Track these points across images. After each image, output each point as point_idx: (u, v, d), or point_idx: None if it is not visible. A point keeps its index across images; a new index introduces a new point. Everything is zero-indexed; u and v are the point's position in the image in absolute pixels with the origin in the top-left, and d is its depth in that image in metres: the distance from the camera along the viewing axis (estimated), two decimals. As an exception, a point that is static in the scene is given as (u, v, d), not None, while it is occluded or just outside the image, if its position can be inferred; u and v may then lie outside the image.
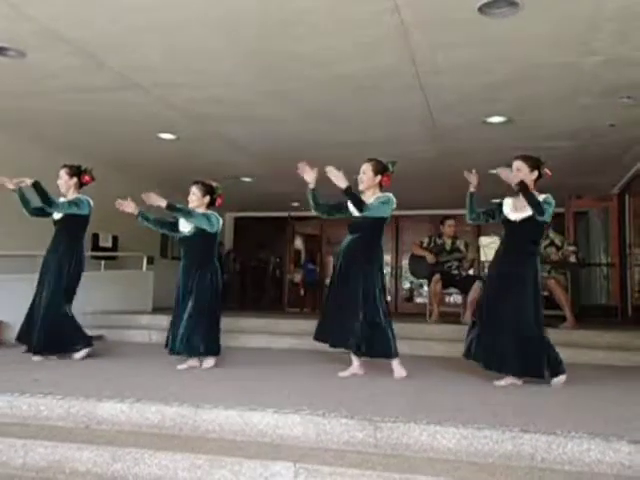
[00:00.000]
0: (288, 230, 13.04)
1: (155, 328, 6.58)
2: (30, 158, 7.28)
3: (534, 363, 3.78)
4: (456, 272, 7.11)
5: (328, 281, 4.44)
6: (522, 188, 3.85)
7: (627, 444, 2.44)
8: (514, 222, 3.97)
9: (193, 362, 4.49)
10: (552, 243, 6.82)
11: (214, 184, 4.72)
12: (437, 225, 7.71)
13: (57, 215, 4.93)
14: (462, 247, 7.24)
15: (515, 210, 3.98)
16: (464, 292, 7.06)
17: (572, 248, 6.96)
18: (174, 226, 4.68)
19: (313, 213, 4.39)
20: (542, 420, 2.75)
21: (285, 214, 12.39)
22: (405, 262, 11.93)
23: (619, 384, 3.79)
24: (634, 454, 2.43)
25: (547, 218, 3.88)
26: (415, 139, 6.81)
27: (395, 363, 4.08)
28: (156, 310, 8.02)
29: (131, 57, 4.77)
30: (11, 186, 4.84)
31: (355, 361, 4.18)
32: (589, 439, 2.49)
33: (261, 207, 12.25)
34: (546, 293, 7.15)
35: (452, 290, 7.44)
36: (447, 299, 8.64)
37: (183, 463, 2.59)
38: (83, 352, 4.79)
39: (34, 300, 4.84)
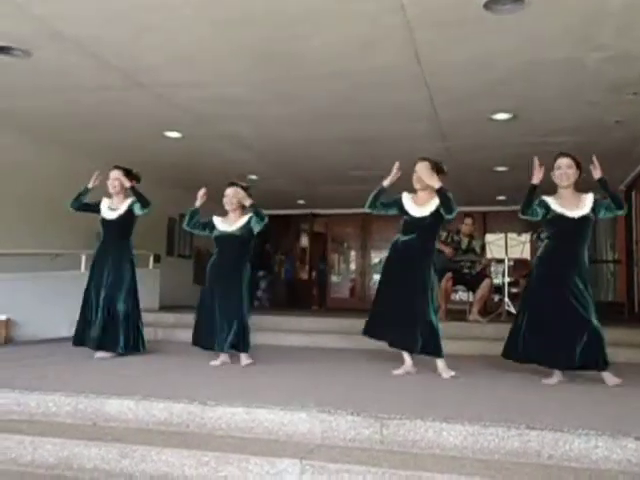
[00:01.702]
0: (293, 228, 13.05)
1: (161, 325, 6.60)
2: (35, 157, 7.32)
3: (603, 355, 3.76)
4: (467, 271, 7.10)
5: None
6: (604, 183, 3.91)
7: (634, 441, 2.44)
8: (571, 219, 3.90)
9: (226, 358, 4.50)
10: None
11: (244, 184, 4.74)
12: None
13: (112, 215, 4.95)
14: (477, 249, 7.22)
15: (569, 208, 3.92)
16: (472, 290, 7.06)
17: None
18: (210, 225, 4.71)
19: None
20: (549, 417, 2.75)
21: (290, 212, 12.39)
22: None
23: (626, 381, 3.78)
24: (641, 451, 2.42)
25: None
26: (422, 136, 6.79)
27: (440, 362, 4.06)
28: (162, 308, 8.05)
29: (136, 56, 4.78)
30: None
31: (408, 359, 4.14)
32: (596, 436, 2.48)
33: (266, 205, 12.25)
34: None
35: (459, 287, 7.43)
36: (453, 296, 8.62)
37: (190, 460, 2.60)
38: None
39: (90, 299, 4.87)
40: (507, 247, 6.89)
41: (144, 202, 4.90)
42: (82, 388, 3.27)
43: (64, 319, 6.39)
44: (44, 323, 6.21)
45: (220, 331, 4.42)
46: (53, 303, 6.35)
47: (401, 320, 4.03)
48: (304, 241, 13.43)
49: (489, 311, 7.30)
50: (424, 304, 4.02)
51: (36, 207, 7.27)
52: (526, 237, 6.83)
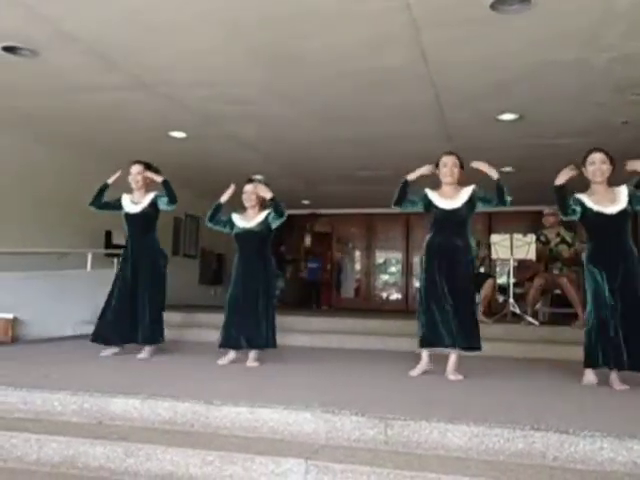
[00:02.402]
0: (297, 228, 13.05)
1: (168, 325, 6.57)
2: (41, 157, 7.36)
3: None
4: None
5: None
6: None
7: (640, 443, 2.43)
8: (609, 216, 3.82)
9: (234, 356, 4.51)
10: (563, 240, 6.77)
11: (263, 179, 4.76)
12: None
13: (136, 209, 4.91)
14: (474, 245, 7.22)
15: (605, 204, 3.84)
16: (477, 290, 7.04)
17: (584, 245, 6.91)
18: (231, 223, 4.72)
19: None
20: (554, 418, 2.74)
21: (295, 212, 12.37)
22: (416, 260, 11.93)
23: (631, 382, 3.76)
24: (647, 453, 2.41)
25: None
26: (427, 136, 6.79)
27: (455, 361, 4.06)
28: (169, 307, 8.04)
29: (142, 57, 4.80)
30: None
31: (427, 357, 4.10)
32: (601, 437, 2.47)
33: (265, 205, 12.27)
34: (558, 291, 7.13)
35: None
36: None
37: (195, 459, 2.60)
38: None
39: (123, 295, 4.83)
40: (512, 248, 6.87)
41: (173, 198, 4.87)
42: (88, 387, 3.28)
43: (70, 318, 6.43)
44: (50, 322, 6.23)
45: (247, 330, 4.44)
46: (59, 302, 6.38)
47: (451, 320, 3.98)
48: (308, 241, 13.46)
49: (494, 312, 7.28)
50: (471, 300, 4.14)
51: (44, 207, 7.31)
52: (531, 238, 6.80)
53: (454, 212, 4.09)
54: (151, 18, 4.13)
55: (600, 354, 3.73)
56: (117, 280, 4.93)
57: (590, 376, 3.82)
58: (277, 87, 5.46)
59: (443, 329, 3.96)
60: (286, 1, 3.90)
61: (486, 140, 6.90)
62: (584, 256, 4.02)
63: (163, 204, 4.91)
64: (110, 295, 4.90)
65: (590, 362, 3.79)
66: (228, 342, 4.50)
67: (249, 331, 4.44)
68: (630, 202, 3.82)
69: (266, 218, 4.60)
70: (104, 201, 5.00)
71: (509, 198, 4.09)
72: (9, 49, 4.64)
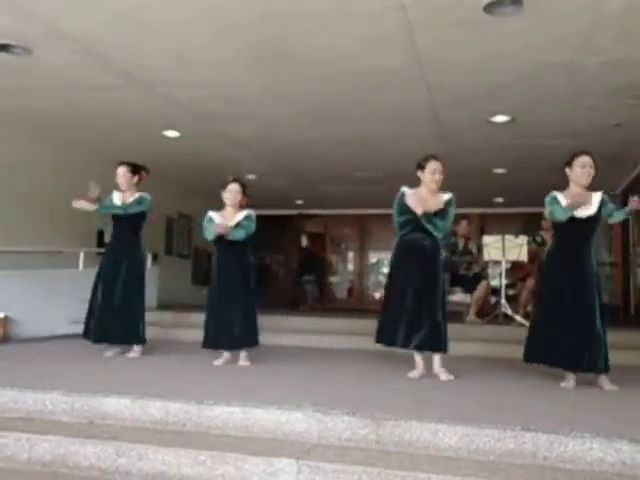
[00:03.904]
0: (291, 228, 13.03)
1: (160, 324, 6.59)
2: (34, 155, 7.33)
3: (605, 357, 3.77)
4: (464, 272, 7.12)
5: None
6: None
7: (628, 443, 2.44)
8: (578, 219, 3.85)
9: (229, 357, 4.51)
10: None
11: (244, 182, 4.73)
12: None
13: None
14: (474, 250, 7.24)
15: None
16: (469, 291, 7.07)
17: None
18: None
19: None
20: (544, 419, 2.76)
21: (289, 212, 12.39)
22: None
23: (621, 383, 3.79)
24: (635, 453, 2.43)
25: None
26: (421, 137, 6.81)
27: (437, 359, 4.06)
28: (161, 307, 8.04)
29: (136, 55, 4.78)
30: (93, 206, 4.92)
31: (421, 361, 4.08)
32: (591, 438, 2.49)
33: (264, 204, 12.26)
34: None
35: (455, 289, 7.44)
36: (449, 298, 8.63)
37: (186, 459, 2.60)
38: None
39: (104, 295, 4.81)
40: (504, 249, 6.90)
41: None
42: (79, 386, 3.27)
43: (62, 317, 6.40)
44: (42, 321, 6.20)
45: (231, 330, 4.43)
46: (51, 301, 6.35)
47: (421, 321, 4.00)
48: (302, 241, 13.43)
49: (486, 313, 7.30)
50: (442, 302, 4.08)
51: (35, 205, 7.28)
52: (523, 239, 6.83)
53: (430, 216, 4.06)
54: (145, 16, 4.12)
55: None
56: (99, 279, 4.90)
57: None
58: (271, 87, 5.46)
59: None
60: (281, 2, 3.90)
61: (479, 141, 6.93)
62: (547, 249, 4.09)
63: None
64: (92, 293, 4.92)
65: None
66: (209, 344, 4.52)
67: (229, 330, 4.43)
68: (599, 209, 3.86)
69: (245, 219, 4.57)
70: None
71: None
72: (2, 47, 4.62)
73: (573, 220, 3.85)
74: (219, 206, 4.70)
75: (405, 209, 4.08)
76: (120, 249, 4.90)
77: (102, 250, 8.03)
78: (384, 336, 4.10)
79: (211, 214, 4.61)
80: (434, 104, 5.74)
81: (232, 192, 4.59)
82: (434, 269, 4.06)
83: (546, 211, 4.00)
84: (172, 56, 4.80)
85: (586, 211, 3.86)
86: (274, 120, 6.41)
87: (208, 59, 4.85)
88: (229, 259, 4.56)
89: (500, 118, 6.11)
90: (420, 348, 3.99)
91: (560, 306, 3.82)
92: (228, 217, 4.56)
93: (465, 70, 4.90)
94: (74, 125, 6.79)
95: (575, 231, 3.89)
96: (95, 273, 4.95)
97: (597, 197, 3.88)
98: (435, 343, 3.96)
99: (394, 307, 4.05)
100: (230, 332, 4.44)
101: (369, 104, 5.81)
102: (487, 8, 3.86)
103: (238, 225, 4.50)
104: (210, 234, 4.50)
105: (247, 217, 4.55)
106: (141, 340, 4.84)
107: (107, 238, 8.30)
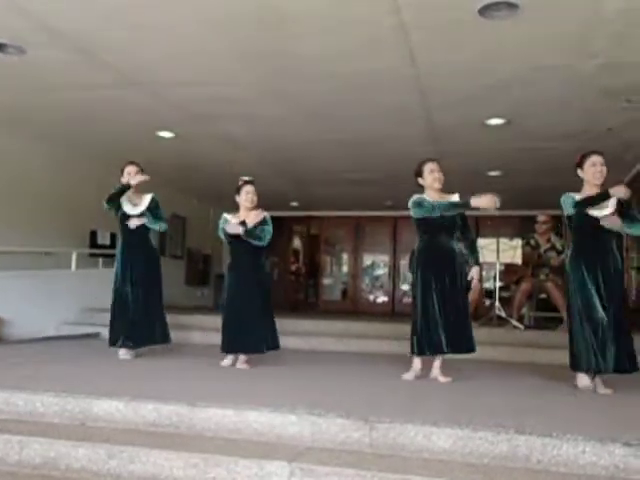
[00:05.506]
0: (285, 230, 13.02)
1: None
2: (29, 155, 7.28)
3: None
4: None
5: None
6: None
7: (621, 446, 2.45)
8: (596, 219, 3.84)
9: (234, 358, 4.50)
10: (553, 247, 6.81)
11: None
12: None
13: (135, 210, 4.96)
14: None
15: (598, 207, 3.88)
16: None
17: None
18: None
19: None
20: (538, 422, 2.76)
21: (283, 214, 12.35)
22: (403, 262, 11.96)
23: (615, 386, 3.80)
24: (628, 457, 2.43)
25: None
26: (415, 139, 6.81)
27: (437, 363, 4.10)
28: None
29: (131, 55, 4.76)
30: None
31: (419, 363, 4.09)
32: (584, 441, 2.49)
33: (259, 205, 12.23)
34: (544, 295, 7.18)
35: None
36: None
37: (178, 462, 2.59)
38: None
39: (126, 297, 4.83)
40: (499, 252, 6.92)
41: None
42: (71, 388, 3.25)
43: (55, 318, 6.38)
44: (34, 322, 6.17)
45: (248, 333, 4.42)
46: (44, 302, 6.33)
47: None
48: (296, 243, 13.44)
49: (480, 315, 7.31)
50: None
51: (28, 205, 7.23)
52: (517, 242, 6.86)
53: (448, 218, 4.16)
54: (139, 16, 4.10)
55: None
56: (118, 281, 4.91)
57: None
58: (266, 88, 5.45)
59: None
60: (276, 2, 3.90)
61: (473, 144, 6.93)
62: (567, 254, 4.03)
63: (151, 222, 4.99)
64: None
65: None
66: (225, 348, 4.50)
67: (244, 334, 4.41)
68: (618, 206, 3.85)
69: (264, 221, 4.58)
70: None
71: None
72: (-5, 46, 4.59)
73: (594, 219, 3.82)
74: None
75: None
76: (138, 251, 4.97)
77: (95, 251, 8.07)
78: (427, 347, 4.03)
79: (225, 216, 4.64)
80: (428, 106, 5.74)
81: (250, 193, 4.63)
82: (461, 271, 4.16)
83: (566, 212, 3.94)
84: (166, 55, 4.78)
85: (604, 210, 3.83)
86: (268, 120, 6.40)
87: (201, 59, 4.83)
88: (244, 262, 4.54)
89: (494, 121, 6.11)
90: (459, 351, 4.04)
91: (597, 311, 3.73)
92: (244, 218, 4.56)
93: (459, 72, 4.90)
94: (68, 125, 6.75)
95: (599, 229, 3.83)
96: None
97: (613, 199, 3.87)
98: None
99: (430, 315, 4.00)
100: (252, 335, 4.41)
101: (363, 105, 5.81)
102: (482, 11, 3.86)
103: (254, 232, 4.49)
104: (224, 233, 4.56)
105: (264, 222, 4.59)
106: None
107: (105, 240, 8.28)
